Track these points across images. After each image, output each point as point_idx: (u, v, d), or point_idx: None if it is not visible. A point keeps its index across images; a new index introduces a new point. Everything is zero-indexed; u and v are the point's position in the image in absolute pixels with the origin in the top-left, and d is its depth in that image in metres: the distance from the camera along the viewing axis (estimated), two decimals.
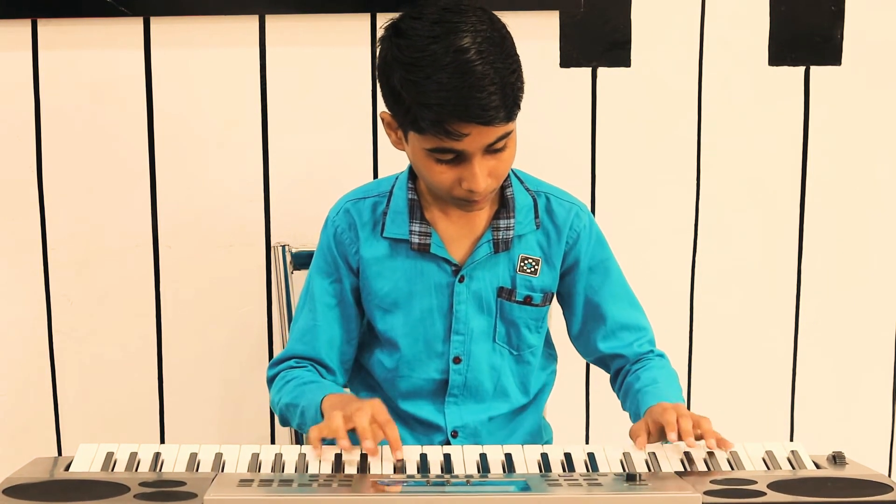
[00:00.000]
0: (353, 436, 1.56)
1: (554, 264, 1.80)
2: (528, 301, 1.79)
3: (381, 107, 2.31)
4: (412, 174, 1.77)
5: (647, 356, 1.83)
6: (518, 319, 1.80)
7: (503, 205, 1.75)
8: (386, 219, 1.77)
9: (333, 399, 1.64)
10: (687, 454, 1.55)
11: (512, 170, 1.78)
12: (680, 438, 1.57)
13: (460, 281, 1.76)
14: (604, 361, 1.88)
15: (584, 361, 2.41)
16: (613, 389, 1.87)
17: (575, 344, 1.90)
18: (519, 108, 1.60)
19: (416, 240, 1.74)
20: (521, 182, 1.79)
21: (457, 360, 1.79)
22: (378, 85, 1.66)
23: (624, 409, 1.82)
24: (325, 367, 1.81)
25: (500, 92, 1.55)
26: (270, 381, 1.83)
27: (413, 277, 1.77)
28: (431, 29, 1.57)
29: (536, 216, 1.78)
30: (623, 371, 1.84)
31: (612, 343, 1.83)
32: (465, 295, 1.77)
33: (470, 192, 1.62)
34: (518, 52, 1.62)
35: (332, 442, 1.55)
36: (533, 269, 1.78)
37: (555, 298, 1.86)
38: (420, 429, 1.83)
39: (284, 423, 1.79)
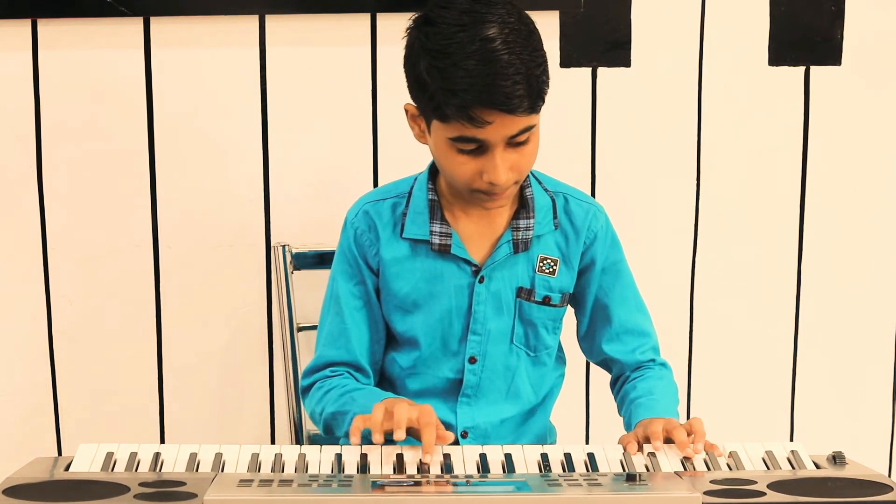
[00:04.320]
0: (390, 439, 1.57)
1: (572, 265, 1.80)
2: (546, 301, 1.79)
3: (382, 107, 2.33)
4: (432, 174, 1.77)
5: (647, 365, 1.83)
6: (536, 320, 1.80)
7: (523, 205, 1.75)
8: (405, 219, 1.76)
9: (388, 402, 1.64)
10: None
11: (530, 170, 1.78)
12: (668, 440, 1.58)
13: (480, 281, 1.76)
14: (606, 364, 1.88)
15: (584, 362, 2.41)
16: (612, 392, 1.88)
17: (581, 344, 1.90)
18: (543, 101, 1.61)
19: (436, 240, 1.74)
20: (540, 183, 1.80)
21: (472, 361, 1.79)
22: (404, 74, 1.67)
23: (619, 415, 1.82)
24: (360, 371, 1.80)
25: (525, 82, 1.56)
26: (306, 390, 1.82)
27: (433, 278, 1.77)
28: (460, 18, 1.58)
29: (555, 216, 1.78)
30: (622, 378, 1.84)
31: (616, 346, 1.84)
32: (484, 295, 1.77)
33: (491, 185, 1.63)
34: None
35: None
36: (551, 270, 1.78)
37: None
38: None
39: (328, 432, 1.77)
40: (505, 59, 1.55)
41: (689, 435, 1.58)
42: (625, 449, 1.59)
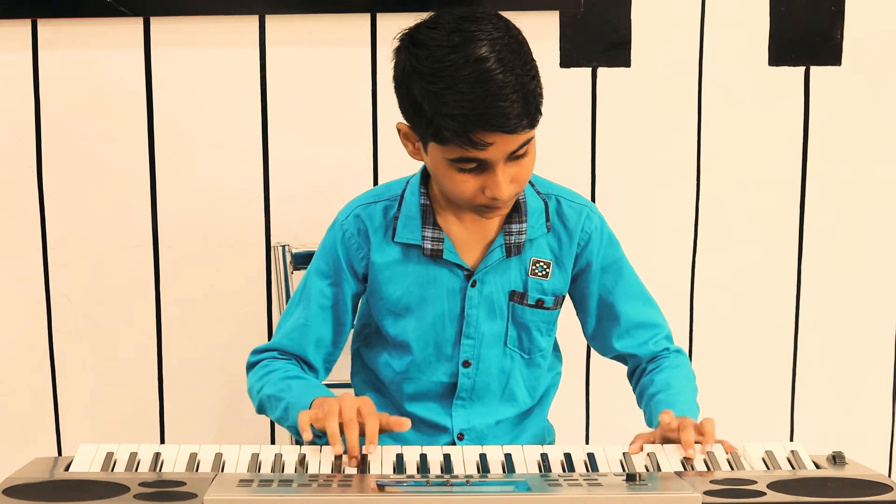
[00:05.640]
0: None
1: (565, 267, 1.79)
2: (539, 304, 1.79)
3: (382, 107, 2.33)
4: (424, 178, 1.76)
5: (662, 354, 1.83)
6: (530, 323, 1.80)
7: (515, 209, 1.74)
8: (397, 223, 1.76)
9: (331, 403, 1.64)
10: None
11: None
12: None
13: (472, 286, 1.76)
14: (621, 358, 1.88)
15: (583, 361, 2.42)
16: (630, 384, 1.87)
17: (592, 344, 1.89)
18: (541, 113, 1.59)
19: (428, 245, 1.73)
20: (532, 185, 1.78)
21: (466, 364, 1.79)
22: (396, 96, 1.64)
23: (640, 408, 1.82)
24: (307, 365, 1.81)
25: (522, 99, 1.54)
26: (250, 366, 1.83)
27: (425, 283, 1.76)
28: (449, 38, 1.55)
29: (547, 219, 1.78)
30: (639, 370, 1.84)
31: (628, 342, 1.83)
32: (476, 299, 1.76)
33: (493, 200, 1.62)
34: None
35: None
36: (544, 273, 1.78)
37: (568, 300, 1.85)
38: (426, 430, 1.82)
39: (261, 411, 1.79)
40: (500, 78, 1.53)
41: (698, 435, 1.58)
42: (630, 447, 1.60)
